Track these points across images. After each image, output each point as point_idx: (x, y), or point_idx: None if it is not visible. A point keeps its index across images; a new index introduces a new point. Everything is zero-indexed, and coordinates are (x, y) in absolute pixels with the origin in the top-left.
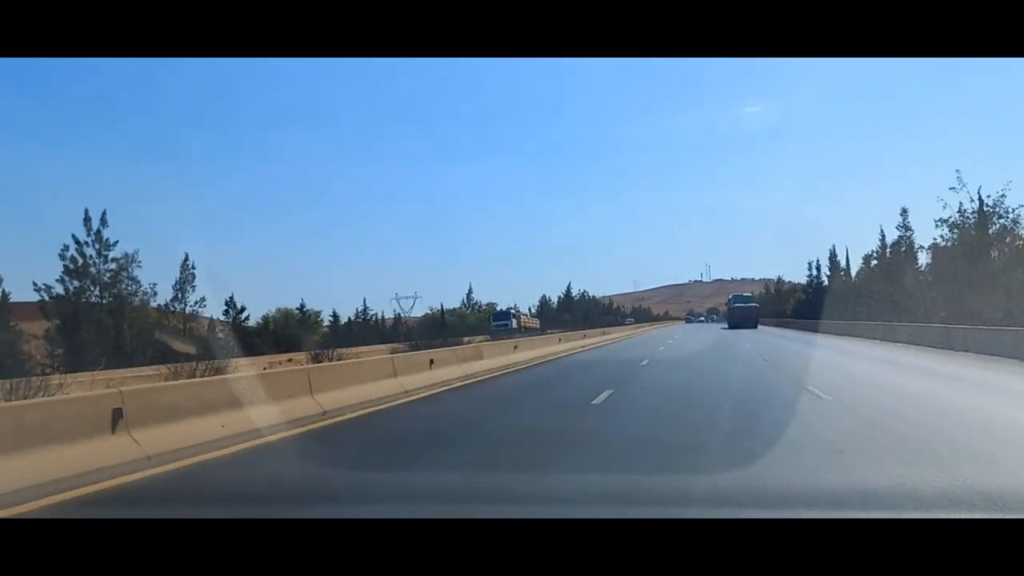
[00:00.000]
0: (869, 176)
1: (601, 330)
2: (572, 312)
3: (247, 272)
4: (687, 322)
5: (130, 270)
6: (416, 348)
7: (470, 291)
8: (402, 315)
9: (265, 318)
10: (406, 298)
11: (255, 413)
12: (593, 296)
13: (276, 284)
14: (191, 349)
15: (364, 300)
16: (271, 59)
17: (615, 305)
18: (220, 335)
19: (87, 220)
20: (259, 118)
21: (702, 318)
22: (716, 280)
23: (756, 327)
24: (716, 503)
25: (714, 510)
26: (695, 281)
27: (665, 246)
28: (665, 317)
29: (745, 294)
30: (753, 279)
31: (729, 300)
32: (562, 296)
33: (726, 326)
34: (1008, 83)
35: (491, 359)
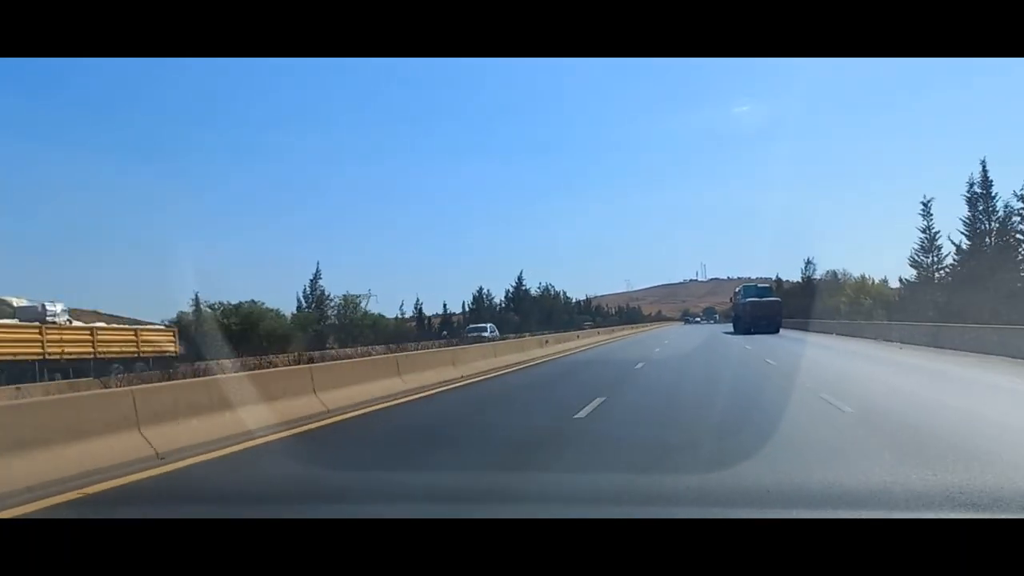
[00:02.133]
0: (864, 176)
1: (542, 339)
2: (524, 312)
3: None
4: (686, 323)
5: None
6: None
7: (316, 276)
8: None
9: None
10: (358, 296)
11: None
12: (560, 292)
13: (274, 283)
14: None
15: None
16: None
17: (596, 304)
18: None
19: None
20: (249, 118)
21: (699, 319)
22: (712, 279)
23: (778, 331)
24: None
25: (706, 510)
26: (690, 280)
27: (659, 246)
28: (658, 317)
29: (760, 284)
30: (750, 278)
31: (737, 293)
32: (511, 290)
33: (731, 330)
34: (1005, 84)
35: None
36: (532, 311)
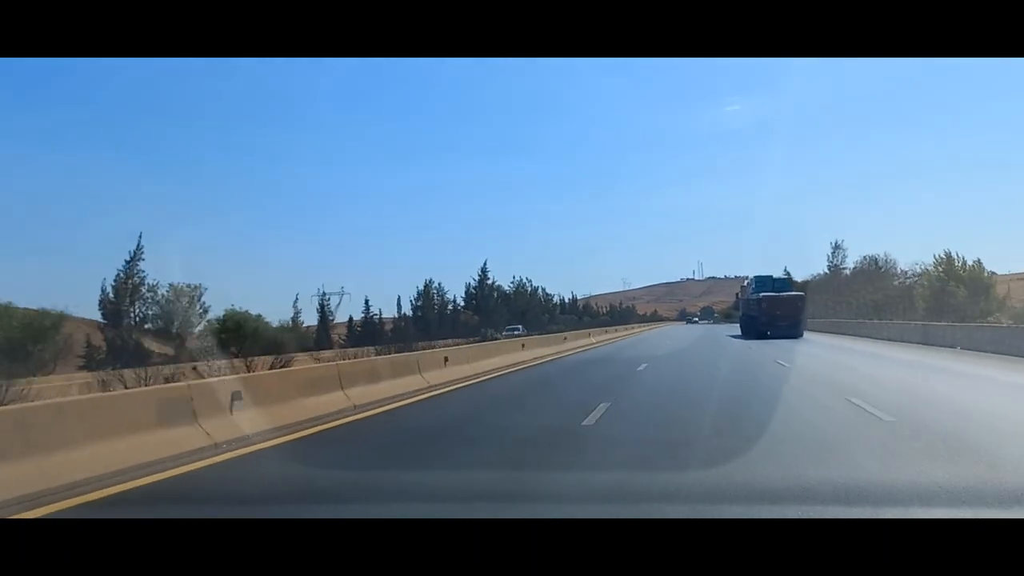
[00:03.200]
0: (862, 176)
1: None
2: (488, 312)
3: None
4: (687, 322)
5: None
6: None
7: (134, 257)
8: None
9: None
10: (333, 294)
11: None
12: (537, 288)
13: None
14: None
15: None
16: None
17: (585, 303)
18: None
19: None
20: (239, 116)
21: (696, 318)
22: (709, 278)
23: (801, 335)
24: None
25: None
26: (687, 279)
27: (656, 244)
28: (653, 317)
29: (777, 275)
30: (747, 276)
31: (745, 287)
32: (472, 286)
33: (736, 332)
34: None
35: None
36: (499, 311)
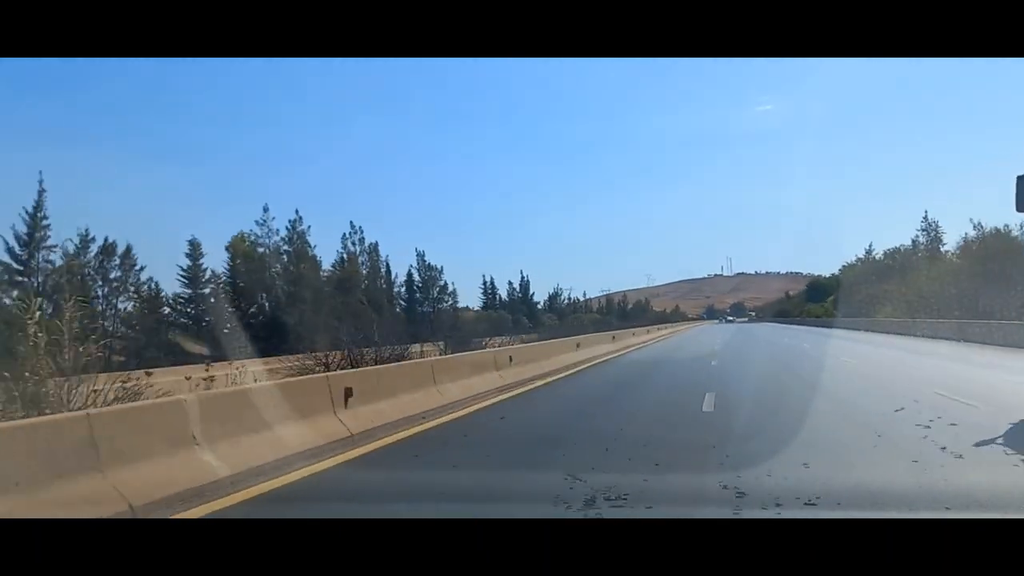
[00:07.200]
0: (890, 173)
1: None
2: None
3: None
4: (721, 322)
5: None
6: None
7: None
8: None
9: None
10: None
11: None
12: (386, 261)
13: None
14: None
15: None
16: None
17: (550, 298)
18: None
19: None
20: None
21: (729, 316)
22: (738, 274)
23: None
24: None
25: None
26: (715, 275)
27: (683, 241)
28: (675, 316)
29: None
30: (779, 273)
31: None
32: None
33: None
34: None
35: None
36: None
